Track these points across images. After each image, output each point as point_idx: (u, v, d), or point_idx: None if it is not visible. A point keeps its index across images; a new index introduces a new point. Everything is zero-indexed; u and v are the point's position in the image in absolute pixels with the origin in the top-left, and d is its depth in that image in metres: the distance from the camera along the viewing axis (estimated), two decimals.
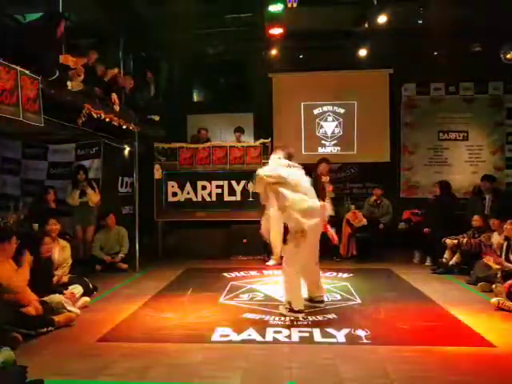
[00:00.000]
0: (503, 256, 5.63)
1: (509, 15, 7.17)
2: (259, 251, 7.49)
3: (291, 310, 4.50)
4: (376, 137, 9.44)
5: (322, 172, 7.44)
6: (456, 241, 6.60)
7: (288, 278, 4.67)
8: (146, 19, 7.54)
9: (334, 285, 5.90)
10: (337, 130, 9.64)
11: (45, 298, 4.47)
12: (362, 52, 8.73)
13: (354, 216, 7.82)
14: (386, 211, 8.05)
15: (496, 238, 6.09)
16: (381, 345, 3.74)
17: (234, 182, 8.12)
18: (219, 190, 8.17)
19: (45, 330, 4.03)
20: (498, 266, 5.42)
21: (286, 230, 4.54)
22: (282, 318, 4.41)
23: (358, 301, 5.13)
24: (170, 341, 3.87)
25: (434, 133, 9.43)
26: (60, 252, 5.34)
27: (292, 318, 4.40)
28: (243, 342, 3.84)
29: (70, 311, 4.47)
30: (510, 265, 5.35)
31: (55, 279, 5.04)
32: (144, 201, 7.45)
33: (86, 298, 5.01)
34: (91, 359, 3.48)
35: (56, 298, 4.54)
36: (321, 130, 9.67)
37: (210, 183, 8.18)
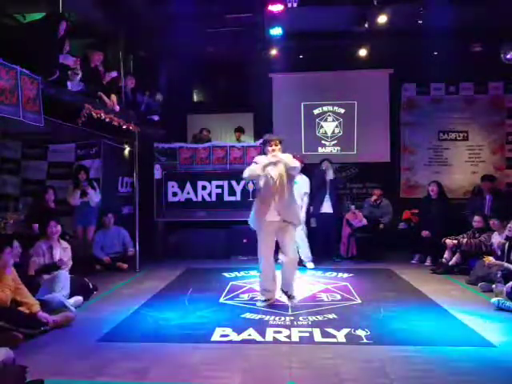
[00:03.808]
0: (504, 257, 5.63)
1: (509, 15, 7.17)
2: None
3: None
4: (376, 137, 9.44)
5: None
6: (456, 241, 6.59)
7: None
8: (146, 19, 7.54)
9: (334, 285, 5.91)
10: (337, 130, 9.64)
11: (45, 298, 4.48)
12: (362, 52, 8.74)
13: (353, 216, 7.83)
14: (386, 211, 8.05)
15: (496, 238, 6.09)
16: (381, 345, 3.74)
17: (234, 182, 8.12)
18: (219, 190, 8.17)
19: (42, 328, 4.01)
20: (497, 263, 5.42)
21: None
22: (282, 318, 4.41)
23: (358, 301, 5.13)
24: (170, 341, 3.87)
25: (434, 133, 9.42)
26: (62, 253, 5.33)
27: (292, 318, 4.41)
28: (243, 341, 3.84)
29: (69, 308, 4.48)
30: (510, 265, 5.35)
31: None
32: (144, 201, 7.45)
33: (79, 297, 4.97)
34: (91, 359, 3.48)
35: (56, 297, 4.54)
36: (321, 130, 9.67)
37: (210, 183, 8.18)
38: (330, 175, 7.70)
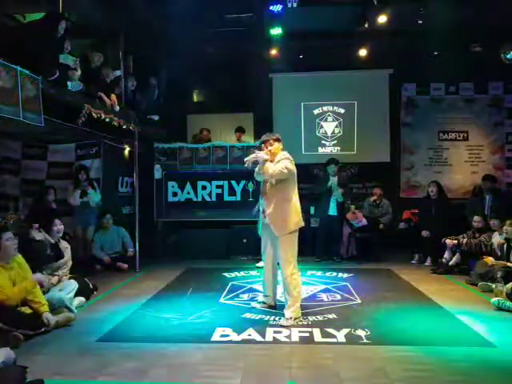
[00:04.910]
0: (504, 257, 5.64)
1: (509, 15, 7.16)
2: (259, 251, 7.51)
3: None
4: (376, 137, 9.43)
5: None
6: (456, 241, 6.59)
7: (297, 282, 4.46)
8: (145, 19, 7.54)
9: (334, 285, 5.91)
10: (337, 130, 9.63)
11: (46, 296, 4.47)
12: (362, 52, 8.73)
13: (353, 216, 7.83)
14: (386, 211, 8.05)
15: (496, 238, 6.09)
16: (381, 345, 3.74)
17: (233, 182, 8.13)
18: (219, 190, 8.18)
19: (43, 329, 4.01)
20: (499, 263, 5.43)
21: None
22: (282, 318, 4.41)
23: (358, 301, 5.13)
24: (170, 341, 3.87)
25: (434, 133, 9.42)
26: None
27: None
28: (243, 341, 3.84)
29: (70, 308, 4.48)
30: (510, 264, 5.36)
31: (55, 279, 5.04)
32: (144, 201, 7.45)
33: (82, 298, 5.00)
34: (91, 359, 3.48)
35: (56, 295, 4.54)
36: (321, 130, 9.67)
37: (210, 183, 8.19)
38: (335, 179, 7.70)
